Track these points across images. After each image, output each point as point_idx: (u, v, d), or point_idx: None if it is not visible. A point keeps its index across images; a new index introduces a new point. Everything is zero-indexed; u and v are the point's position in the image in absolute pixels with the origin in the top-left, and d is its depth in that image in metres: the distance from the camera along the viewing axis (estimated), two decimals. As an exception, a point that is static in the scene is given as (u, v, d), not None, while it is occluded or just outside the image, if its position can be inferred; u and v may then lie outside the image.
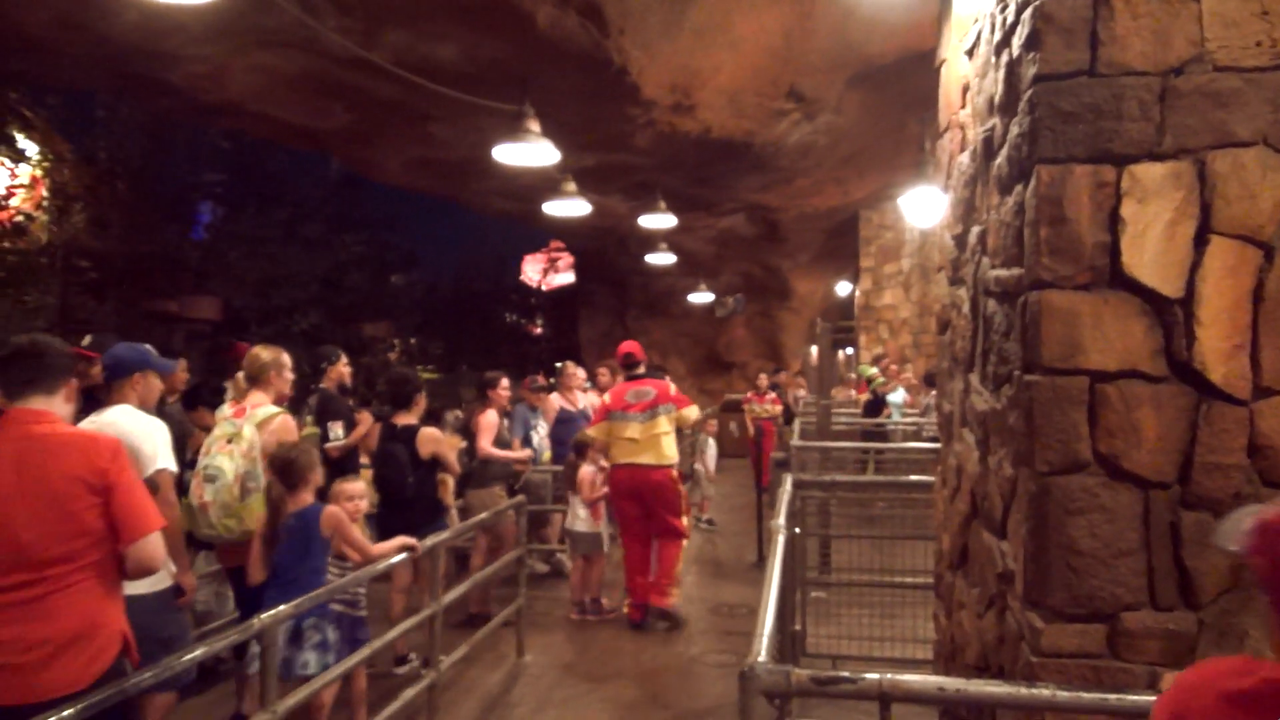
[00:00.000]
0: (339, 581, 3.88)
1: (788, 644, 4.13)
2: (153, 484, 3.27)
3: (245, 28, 7.37)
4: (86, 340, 4.81)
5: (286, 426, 4.40)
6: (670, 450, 6.39)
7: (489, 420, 6.73)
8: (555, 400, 8.34)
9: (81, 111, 14.92)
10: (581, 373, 8.74)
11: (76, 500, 2.44)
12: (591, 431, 6.58)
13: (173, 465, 3.60)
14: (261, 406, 4.41)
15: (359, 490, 4.49)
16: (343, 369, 5.89)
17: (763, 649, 2.24)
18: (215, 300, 16.75)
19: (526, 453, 7.05)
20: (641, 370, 6.72)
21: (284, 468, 3.94)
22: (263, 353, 4.61)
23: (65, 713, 2.16)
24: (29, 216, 13.15)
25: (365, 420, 6.05)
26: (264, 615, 3.04)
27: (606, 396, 6.73)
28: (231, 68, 8.29)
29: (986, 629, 2.80)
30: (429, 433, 5.56)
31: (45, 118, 13.39)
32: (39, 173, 13.38)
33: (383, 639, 4.13)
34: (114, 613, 2.58)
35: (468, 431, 6.77)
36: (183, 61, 8.00)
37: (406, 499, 5.37)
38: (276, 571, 3.89)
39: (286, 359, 4.68)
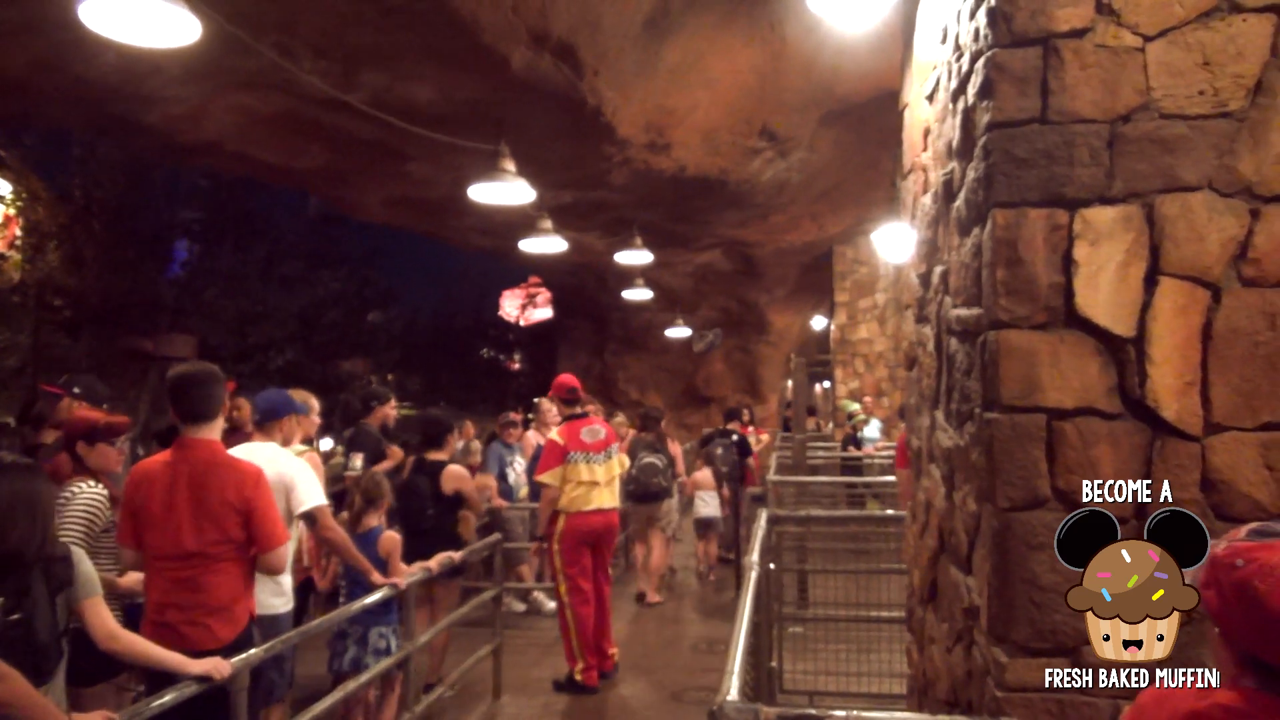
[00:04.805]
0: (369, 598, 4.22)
1: (764, 680, 4.13)
2: (310, 518, 3.96)
3: (223, 70, 7.42)
4: (64, 379, 4.89)
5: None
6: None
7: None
8: (533, 438, 8.32)
9: (58, 150, 14.85)
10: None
11: (225, 517, 3.20)
12: (545, 478, 5.80)
13: (324, 499, 4.07)
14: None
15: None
16: (389, 411, 6.12)
17: (732, 687, 2.25)
18: (191, 338, 16.60)
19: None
20: (581, 409, 6.24)
21: (364, 491, 4.69)
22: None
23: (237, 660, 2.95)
24: (1, 255, 13.05)
25: (395, 455, 6.18)
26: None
27: (556, 435, 5.99)
28: (209, 109, 8.33)
29: (955, 664, 2.83)
30: (453, 470, 5.72)
31: (20, 156, 13.33)
32: (12, 211, 13.29)
33: (359, 680, 4.10)
34: (247, 596, 3.32)
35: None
36: (161, 103, 8.04)
37: (423, 530, 5.45)
38: (350, 582, 4.50)
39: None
